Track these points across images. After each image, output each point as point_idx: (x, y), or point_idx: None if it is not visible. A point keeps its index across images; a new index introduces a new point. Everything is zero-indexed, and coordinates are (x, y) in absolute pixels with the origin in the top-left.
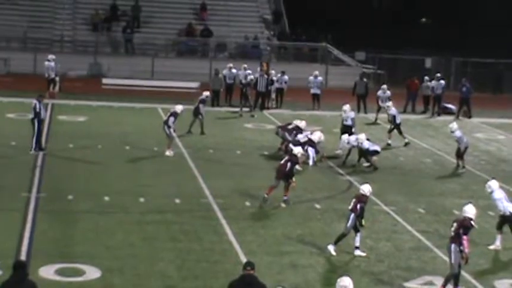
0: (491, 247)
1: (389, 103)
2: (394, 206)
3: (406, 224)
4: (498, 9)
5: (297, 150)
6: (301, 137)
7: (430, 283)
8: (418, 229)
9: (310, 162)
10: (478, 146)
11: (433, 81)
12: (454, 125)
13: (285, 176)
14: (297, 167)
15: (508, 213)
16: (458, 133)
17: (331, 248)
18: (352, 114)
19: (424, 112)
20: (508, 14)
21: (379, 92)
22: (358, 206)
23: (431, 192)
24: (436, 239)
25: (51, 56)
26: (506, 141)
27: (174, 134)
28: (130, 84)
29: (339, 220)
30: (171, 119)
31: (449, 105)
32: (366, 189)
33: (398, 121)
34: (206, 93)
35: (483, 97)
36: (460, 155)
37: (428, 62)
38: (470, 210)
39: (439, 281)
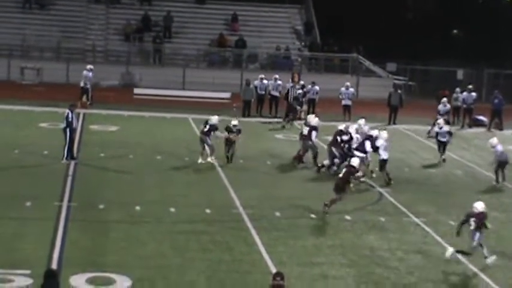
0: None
1: (441, 120)
2: (425, 218)
3: (437, 236)
4: None
5: (356, 162)
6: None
7: None
8: (449, 241)
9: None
10: (510, 158)
11: (464, 93)
12: (495, 140)
13: (342, 187)
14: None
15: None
16: (499, 148)
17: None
18: (366, 128)
19: (453, 123)
20: None
21: (440, 106)
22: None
23: (463, 204)
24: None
25: (89, 66)
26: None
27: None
28: (161, 94)
29: (369, 231)
30: (212, 133)
31: (481, 117)
32: (479, 206)
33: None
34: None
35: None
36: (499, 169)
37: (460, 74)
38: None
39: None
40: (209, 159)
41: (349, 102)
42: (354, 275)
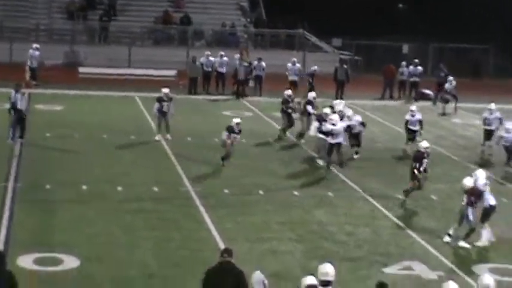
0: (479, 244)
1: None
2: (373, 192)
3: (384, 210)
4: None
5: (425, 144)
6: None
7: (409, 268)
8: (397, 215)
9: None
10: (456, 131)
11: (410, 67)
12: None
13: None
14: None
15: (487, 206)
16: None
17: (463, 244)
18: (358, 118)
19: (399, 97)
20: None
21: (447, 85)
22: (472, 199)
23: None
24: (415, 224)
25: (35, 45)
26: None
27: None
28: (107, 73)
29: (318, 207)
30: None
31: (427, 91)
32: (467, 182)
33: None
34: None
35: (460, 82)
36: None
37: (405, 48)
38: (467, 182)
39: (417, 266)
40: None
41: (295, 78)
42: (302, 250)
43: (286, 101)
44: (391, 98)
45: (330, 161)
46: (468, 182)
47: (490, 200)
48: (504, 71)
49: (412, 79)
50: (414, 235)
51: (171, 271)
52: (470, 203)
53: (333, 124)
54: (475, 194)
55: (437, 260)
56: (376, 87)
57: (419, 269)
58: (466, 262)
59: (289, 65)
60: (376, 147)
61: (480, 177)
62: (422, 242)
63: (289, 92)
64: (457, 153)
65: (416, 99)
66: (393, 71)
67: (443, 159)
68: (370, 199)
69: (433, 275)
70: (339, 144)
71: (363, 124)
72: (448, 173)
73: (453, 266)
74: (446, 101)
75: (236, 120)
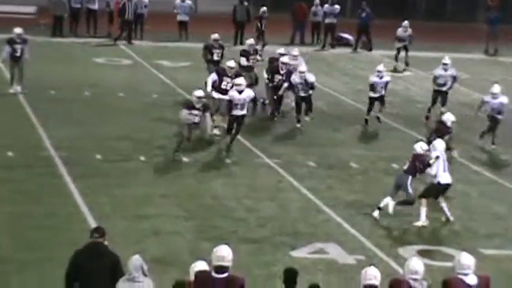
0: (418, 224)
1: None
2: (279, 159)
3: (293, 180)
4: None
5: (451, 117)
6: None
7: (321, 251)
8: (308, 186)
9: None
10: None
11: (325, 6)
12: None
13: None
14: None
15: (435, 182)
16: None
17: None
18: (387, 77)
19: (313, 42)
20: None
21: (399, 30)
22: (417, 168)
23: (324, 142)
24: (329, 198)
25: None
26: (413, 78)
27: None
28: None
29: (212, 177)
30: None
31: (346, 35)
32: (417, 147)
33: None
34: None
35: (386, 25)
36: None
37: None
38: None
39: (331, 248)
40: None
41: (186, 18)
42: (193, 230)
43: (248, 53)
44: (302, 43)
45: (228, 142)
46: (419, 147)
47: (442, 177)
48: (435, 12)
49: (327, 20)
50: (329, 211)
51: (28, 254)
52: (413, 172)
53: (239, 91)
54: (421, 163)
55: (357, 241)
56: (285, 30)
57: (335, 253)
58: (391, 244)
59: (178, 1)
60: (288, 105)
61: (437, 148)
62: (339, 220)
63: (251, 41)
64: (383, 111)
65: (333, 46)
66: (305, 10)
67: (362, 119)
68: (277, 167)
69: (351, 259)
70: (242, 117)
71: (312, 86)
72: (369, 136)
73: (375, 249)
74: (370, 48)
75: (198, 93)
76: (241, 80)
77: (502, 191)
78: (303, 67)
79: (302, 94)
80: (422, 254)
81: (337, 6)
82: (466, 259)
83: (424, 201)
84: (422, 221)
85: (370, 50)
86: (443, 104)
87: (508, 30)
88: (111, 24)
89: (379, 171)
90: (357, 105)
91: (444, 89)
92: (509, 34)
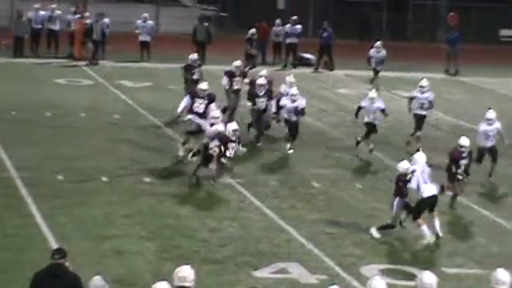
0: (424, 242)
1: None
2: (242, 178)
3: (255, 200)
4: None
5: (466, 142)
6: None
7: (284, 271)
8: (270, 206)
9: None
10: (342, 104)
11: (287, 26)
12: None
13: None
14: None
15: (420, 198)
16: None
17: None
18: (381, 104)
19: (274, 62)
20: None
21: (372, 51)
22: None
23: (288, 162)
24: (292, 218)
25: None
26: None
27: None
28: None
29: (174, 197)
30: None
31: (307, 55)
32: (401, 166)
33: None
34: None
35: (348, 44)
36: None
37: (281, 3)
38: (403, 165)
39: (293, 268)
40: None
41: (147, 38)
42: (155, 250)
43: (232, 74)
44: (264, 63)
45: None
46: (400, 167)
47: (425, 190)
48: (397, 32)
49: (288, 40)
50: (291, 231)
51: None
52: (399, 193)
53: (212, 124)
54: (402, 182)
55: (319, 260)
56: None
57: (297, 272)
58: (354, 263)
59: (139, 22)
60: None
61: (418, 162)
62: (302, 239)
63: (237, 62)
64: (345, 130)
65: (295, 65)
66: (266, 30)
67: (325, 139)
68: (238, 186)
69: (313, 279)
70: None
71: (302, 112)
72: (331, 155)
73: (338, 268)
74: (331, 68)
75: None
76: (217, 113)
77: (464, 210)
78: (294, 90)
79: (292, 118)
80: (385, 273)
81: (298, 26)
82: (428, 278)
83: (419, 220)
84: (428, 237)
85: (332, 69)
86: (420, 128)
87: (468, 49)
88: (72, 44)
89: (341, 190)
90: (319, 125)
91: (424, 113)
92: (468, 54)
